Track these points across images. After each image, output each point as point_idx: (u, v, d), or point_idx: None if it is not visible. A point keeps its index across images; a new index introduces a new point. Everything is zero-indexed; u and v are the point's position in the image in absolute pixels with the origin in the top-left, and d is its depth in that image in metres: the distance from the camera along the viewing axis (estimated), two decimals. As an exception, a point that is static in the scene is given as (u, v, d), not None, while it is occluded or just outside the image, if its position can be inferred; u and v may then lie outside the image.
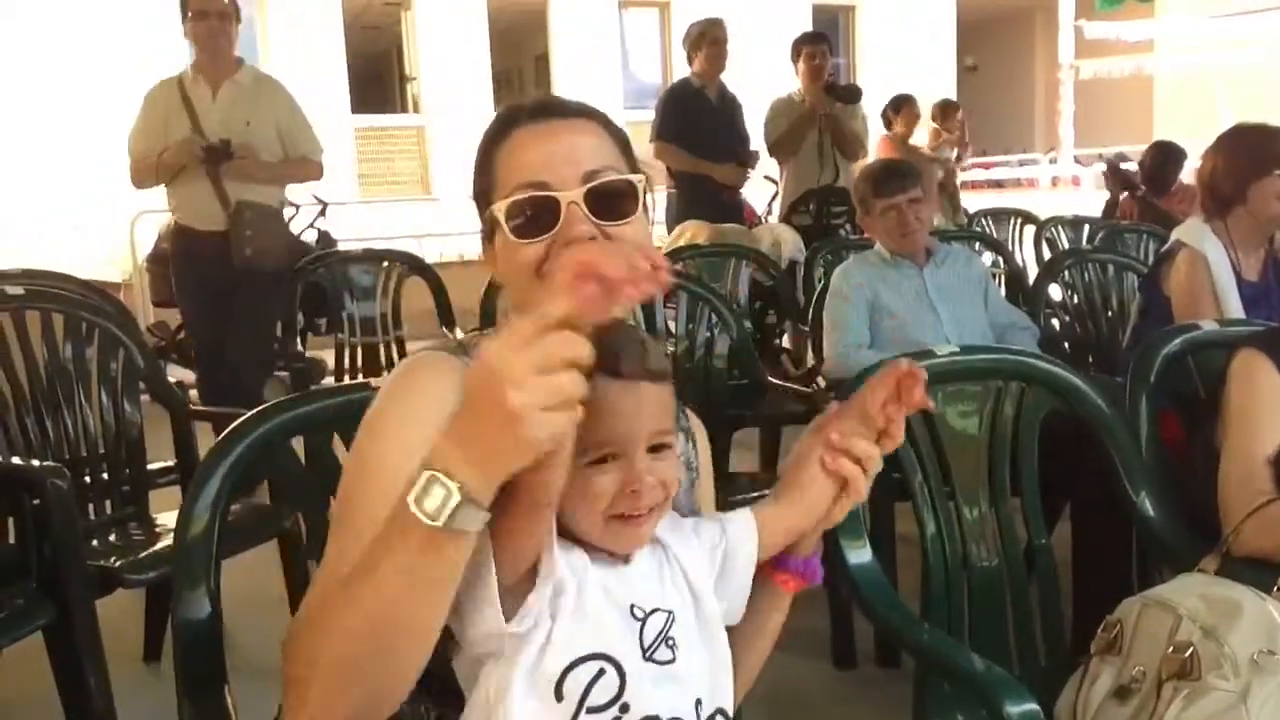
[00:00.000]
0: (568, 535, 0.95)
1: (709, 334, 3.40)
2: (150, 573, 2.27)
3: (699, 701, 0.95)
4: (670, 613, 0.95)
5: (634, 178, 1.08)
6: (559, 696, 0.89)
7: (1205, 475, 1.79)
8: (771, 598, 1.10)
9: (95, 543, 2.43)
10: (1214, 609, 1.44)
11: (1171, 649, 1.43)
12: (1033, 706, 1.27)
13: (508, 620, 0.87)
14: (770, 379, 3.24)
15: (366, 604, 0.83)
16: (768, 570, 1.07)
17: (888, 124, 6.94)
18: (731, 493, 2.79)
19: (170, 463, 2.78)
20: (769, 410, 3.22)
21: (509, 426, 0.75)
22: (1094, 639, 1.54)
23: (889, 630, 1.58)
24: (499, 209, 1.06)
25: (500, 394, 0.74)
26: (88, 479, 2.59)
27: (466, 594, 0.86)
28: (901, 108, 6.89)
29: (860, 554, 1.56)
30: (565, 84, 13.68)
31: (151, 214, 6.54)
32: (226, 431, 1.35)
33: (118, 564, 2.27)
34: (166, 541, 2.42)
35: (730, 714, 0.99)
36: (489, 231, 1.11)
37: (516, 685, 0.89)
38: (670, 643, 0.94)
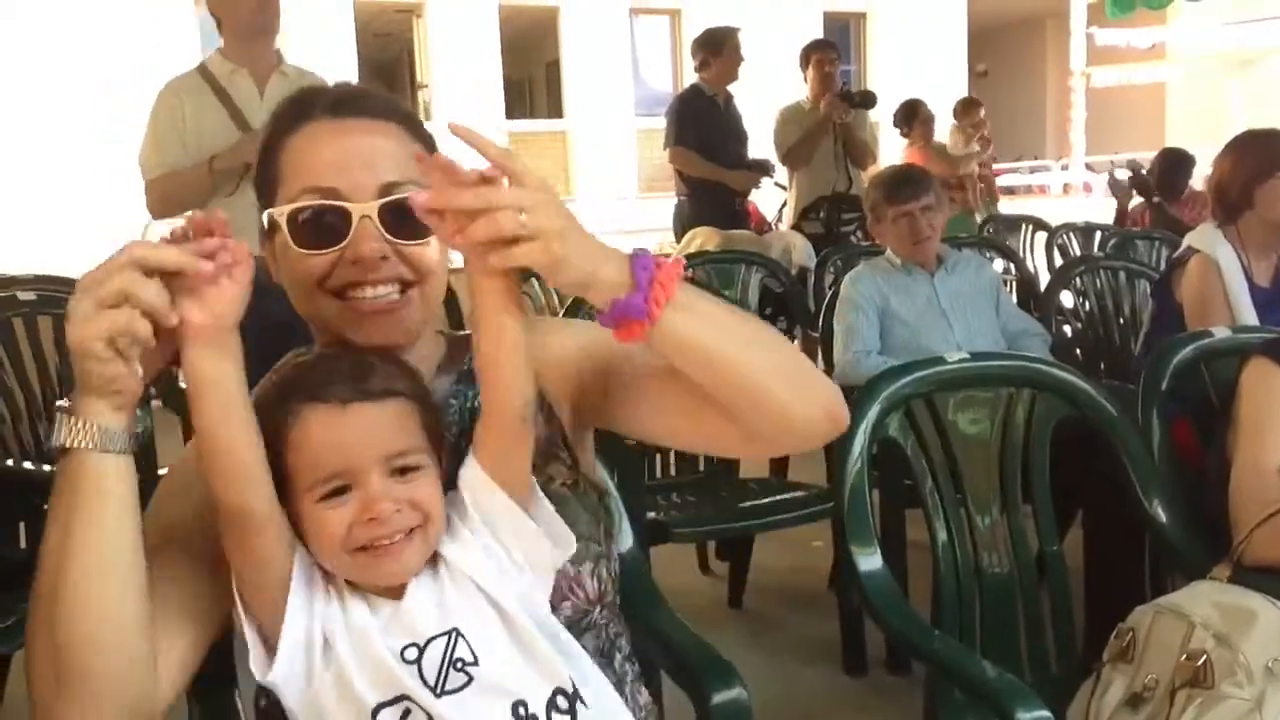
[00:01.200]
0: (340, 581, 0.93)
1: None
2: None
3: (520, 704, 0.89)
4: (450, 633, 0.90)
5: None
6: None
7: (1218, 483, 1.78)
8: (656, 348, 0.92)
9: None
10: (1227, 617, 1.43)
11: (1185, 657, 1.42)
12: (1045, 714, 1.26)
13: (262, 672, 0.88)
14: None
15: (43, 559, 0.85)
16: (621, 339, 0.90)
17: (904, 133, 6.94)
18: (743, 499, 2.79)
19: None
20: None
21: (68, 332, 0.81)
22: (1106, 646, 1.54)
23: (900, 638, 1.57)
24: (279, 214, 0.98)
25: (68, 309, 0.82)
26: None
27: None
28: (913, 116, 6.88)
29: (871, 560, 1.56)
30: (577, 90, 13.73)
31: (162, 222, 6.59)
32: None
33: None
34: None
35: (571, 688, 0.92)
36: (267, 231, 1.02)
37: None
38: (459, 664, 0.89)
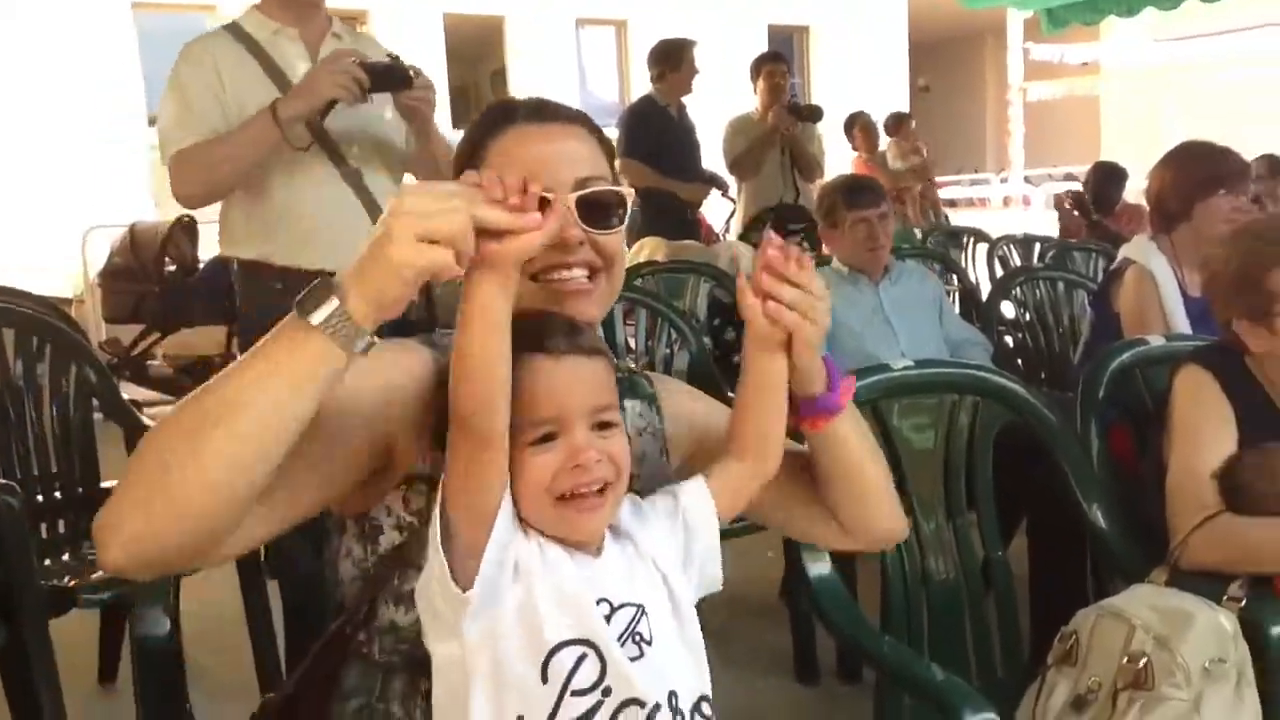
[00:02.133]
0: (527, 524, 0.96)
1: (668, 350, 3.43)
2: (106, 593, 2.23)
3: (673, 694, 0.94)
4: (639, 607, 0.95)
5: (623, 189, 1.11)
6: (544, 679, 0.90)
7: (1154, 488, 1.84)
8: (818, 442, 1.12)
9: (48, 562, 2.39)
10: (1166, 619, 1.48)
11: (1126, 659, 1.46)
12: (992, 716, 1.30)
13: (463, 586, 0.88)
14: (730, 394, 3.26)
15: (217, 391, 0.87)
16: (794, 424, 1.09)
17: (855, 144, 7.03)
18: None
19: (125, 481, 2.73)
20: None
21: (382, 247, 0.85)
22: (1051, 650, 1.58)
23: (849, 642, 1.60)
24: None
25: (386, 224, 0.85)
26: (40, 498, 2.55)
27: (423, 556, 0.90)
28: (855, 125, 6.98)
29: (820, 566, 1.58)
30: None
31: (103, 229, 6.47)
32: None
33: (72, 584, 2.23)
34: (121, 561, 2.38)
35: (712, 698, 0.99)
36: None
37: (502, 666, 0.90)
38: (637, 638, 0.94)
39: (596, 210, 1.08)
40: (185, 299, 5.41)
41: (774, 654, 2.72)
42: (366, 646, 1.07)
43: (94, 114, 8.04)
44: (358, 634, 1.08)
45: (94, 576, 2.31)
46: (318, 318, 0.85)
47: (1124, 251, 2.81)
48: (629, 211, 1.12)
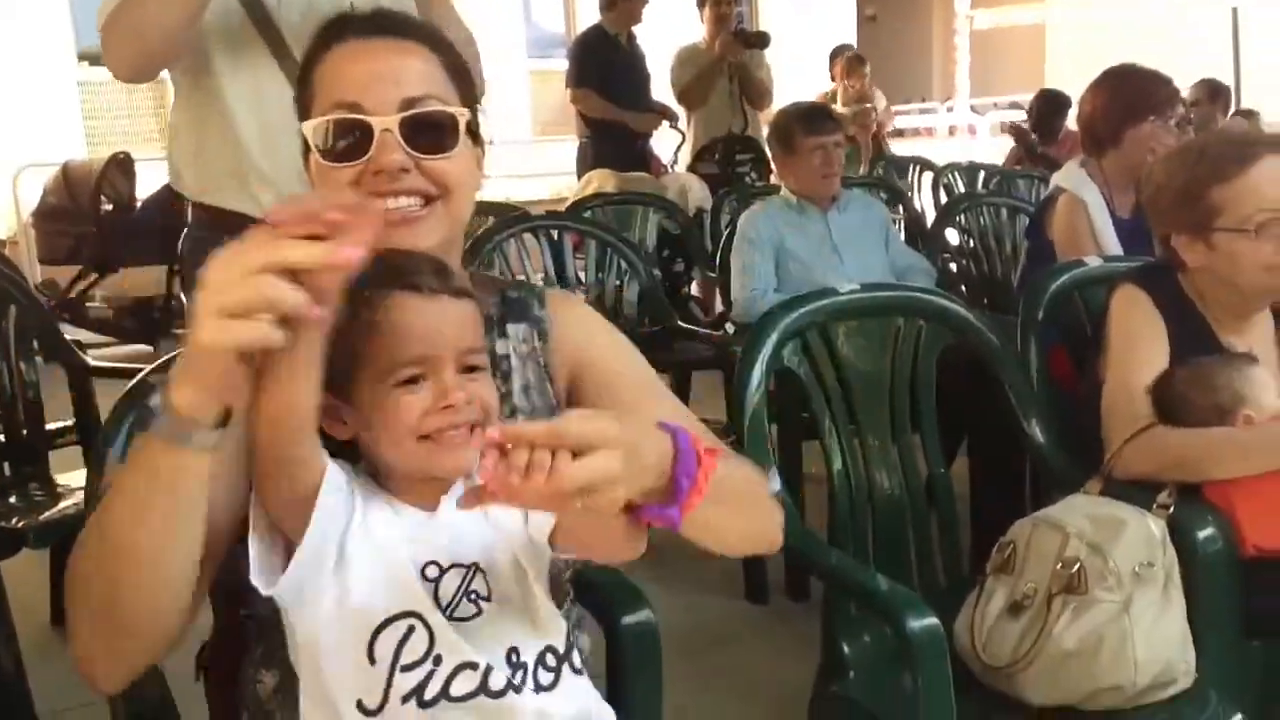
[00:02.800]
0: (377, 478, 0.95)
1: (618, 282, 3.43)
2: (56, 534, 2.22)
3: (512, 650, 0.92)
4: (472, 566, 0.93)
5: (457, 110, 1.05)
6: (372, 660, 0.89)
7: (1090, 405, 1.89)
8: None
9: (-6, 506, 2.36)
10: (1099, 527, 1.54)
11: (1060, 565, 1.52)
12: (933, 621, 1.34)
13: (268, 584, 0.89)
14: (680, 324, 3.29)
15: (108, 527, 0.86)
16: (635, 522, 0.92)
17: (833, 76, 6.99)
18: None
19: (69, 422, 2.70)
20: (680, 356, 3.27)
21: (194, 332, 0.78)
22: (989, 560, 1.63)
23: (797, 555, 1.64)
24: (308, 129, 1.04)
25: (196, 298, 0.78)
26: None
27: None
28: (837, 59, 6.93)
29: (770, 483, 1.61)
30: (466, 33, 13.37)
31: (35, 168, 6.29)
32: (135, 383, 1.33)
33: (20, 524, 2.22)
34: (69, 502, 2.36)
35: (562, 650, 0.96)
36: (304, 148, 1.07)
37: (328, 654, 0.90)
38: (473, 595, 0.92)
39: (426, 133, 1.02)
40: (123, 239, 5.30)
41: (723, 575, 2.78)
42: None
43: (22, 51, 7.77)
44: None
45: (41, 517, 2.30)
46: (158, 431, 0.82)
47: (1055, 179, 2.87)
48: (474, 133, 1.07)
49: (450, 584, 0.92)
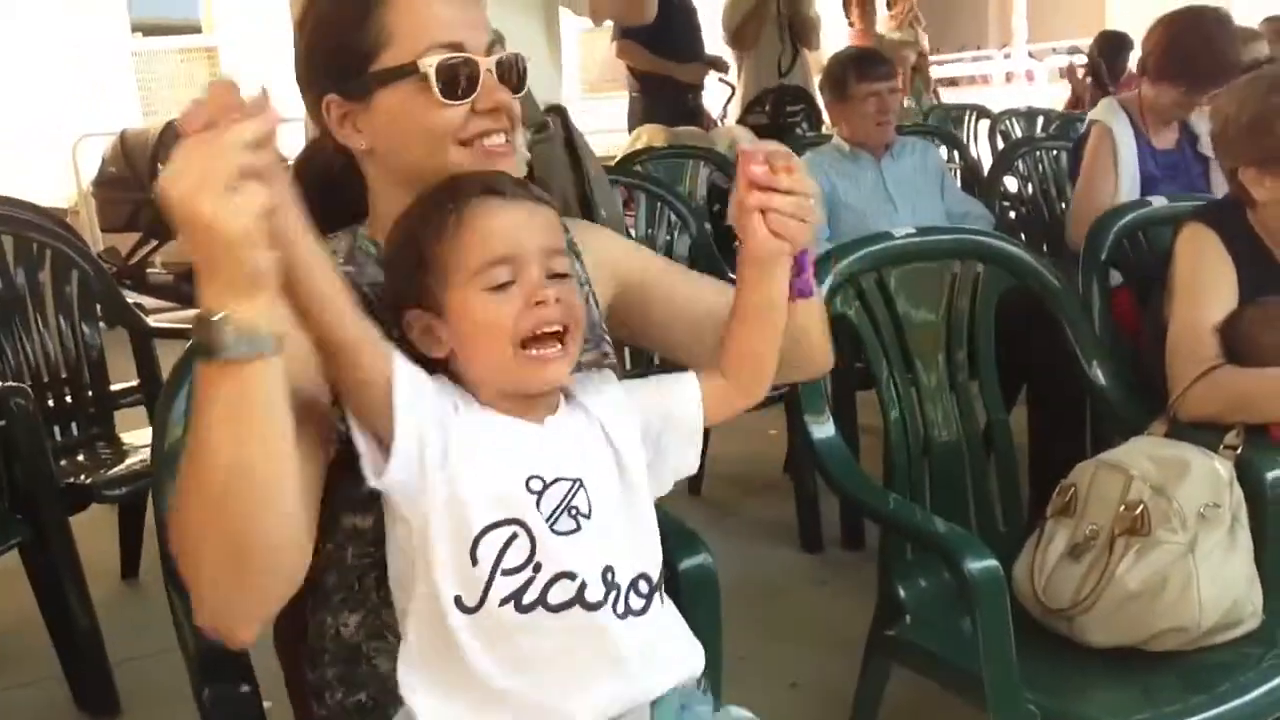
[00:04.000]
0: (477, 395, 0.95)
1: (669, 237, 3.41)
2: (124, 487, 2.28)
3: (609, 569, 0.93)
4: (576, 480, 0.94)
5: (521, 53, 1.09)
6: (474, 561, 0.90)
7: (1154, 346, 1.85)
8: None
9: (64, 464, 2.43)
10: (1163, 468, 1.51)
11: (1123, 507, 1.50)
12: (993, 563, 1.33)
13: (376, 475, 0.89)
14: (732, 277, 3.26)
15: (202, 466, 0.83)
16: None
17: (851, 16, 6.86)
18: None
19: (133, 383, 2.77)
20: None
21: (209, 233, 0.76)
22: (1050, 504, 1.61)
23: (854, 499, 1.63)
24: (427, 64, 1.01)
25: (178, 219, 0.76)
26: (51, 403, 2.58)
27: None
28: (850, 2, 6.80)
29: (824, 429, 1.61)
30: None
31: (94, 137, 6.39)
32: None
33: (89, 481, 2.28)
34: (135, 459, 2.43)
35: (655, 577, 0.97)
36: (362, 92, 1.04)
37: (436, 550, 0.90)
38: (573, 511, 0.93)
39: (509, 74, 1.06)
40: (181, 205, 5.37)
41: (779, 526, 2.79)
42: (338, 552, 1.07)
43: (77, 24, 7.87)
44: (325, 543, 1.07)
45: (109, 473, 2.36)
46: (224, 353, 0.79)
47: (1091, 114, 2.89)
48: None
49: (553, 497, 0.92)
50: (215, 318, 0.79)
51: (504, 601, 0.90)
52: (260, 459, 0.83)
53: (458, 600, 0.90)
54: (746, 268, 0.98)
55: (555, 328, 0.93)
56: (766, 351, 1.01)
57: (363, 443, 0.90)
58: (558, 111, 1.70)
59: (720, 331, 1.05)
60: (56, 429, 2.55)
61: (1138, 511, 1.47)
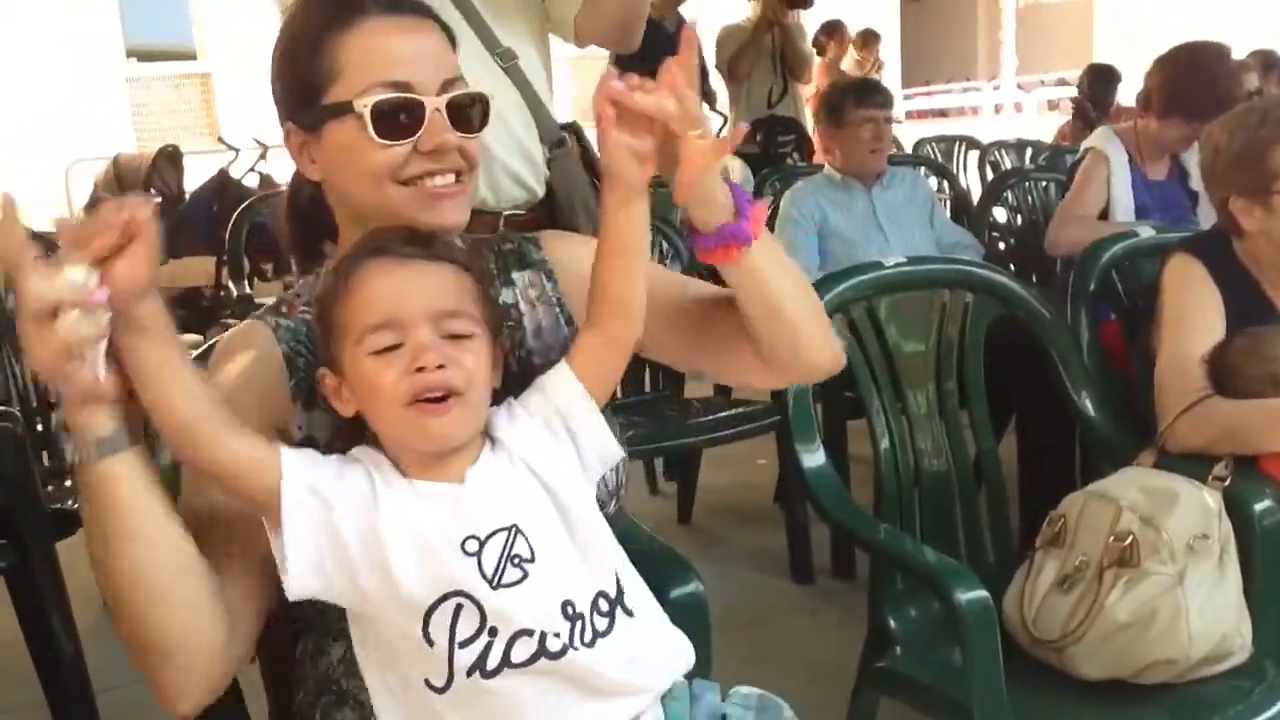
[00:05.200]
0: (395, 460, 0.94)
1: (662, 264, 3.42)
2: (110, 513, 2.26)
3: (568, 604, 0.93)
4: (510, 528, 0.92)
5: (482, 91, 1.08)
6: (430, 642, 0.90)
7: (1143, 377, 1.86)
8: (734, 274, 1.02)
9: (51, 488, 2.41)
10: (1152, 499, 1.51)
11: (1112, 538, 1.49)
12: (982, 593, 1.33)
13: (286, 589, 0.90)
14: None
15: (91, 561, 0.89)
16: (705, 259, 1.00)
17: (820, 50, 6.95)
18: (688, 417, 2.83)
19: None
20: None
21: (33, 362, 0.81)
22: (1039, 534, 1.61)
23: (844, 528, 1.62)
24: (363, 104, 1.00)
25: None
26: (39, 427, 2.57)
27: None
28: (834, 33, 6.91)
29: (815, 458, 1.60)
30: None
31: (86, 162, 6.41)
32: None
33: (76, 505, 2.25)
34: (124, 484, 2.41)
35: (615, 590, 0.96)
36: (316, 124, 1.04)
37: (389, 641, 0.92)
38: (516, 560, 0.92)
39: (464, 113, 1.04)
40: (173, 230, 5.37)
41: (769, 555, 2.78)
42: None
43: (72, 49, 7.90)
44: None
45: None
46: (72, 459, 0.85)
47: (1086, 142, 2.93)
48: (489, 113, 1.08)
49: (492, 553, 0.91)
50: (64, 428, 0.85)
51: (469, 672, 0.90)
52: (131, 556, 0.86)
53: (427, 683, 0.91)
54: (606, 197, 0.96)
55: (436, 394, 0.91)
56: (631, 294, 0.98)
57: (278, 554, 0.90)
58: (573, 128, 1.72)
59: (715, 321, 1.07)
60: (45, 453, 2.54)
61: (1127, 542, 1.47)
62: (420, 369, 0.90)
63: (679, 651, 1.02)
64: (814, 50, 5.33)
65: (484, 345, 0.95)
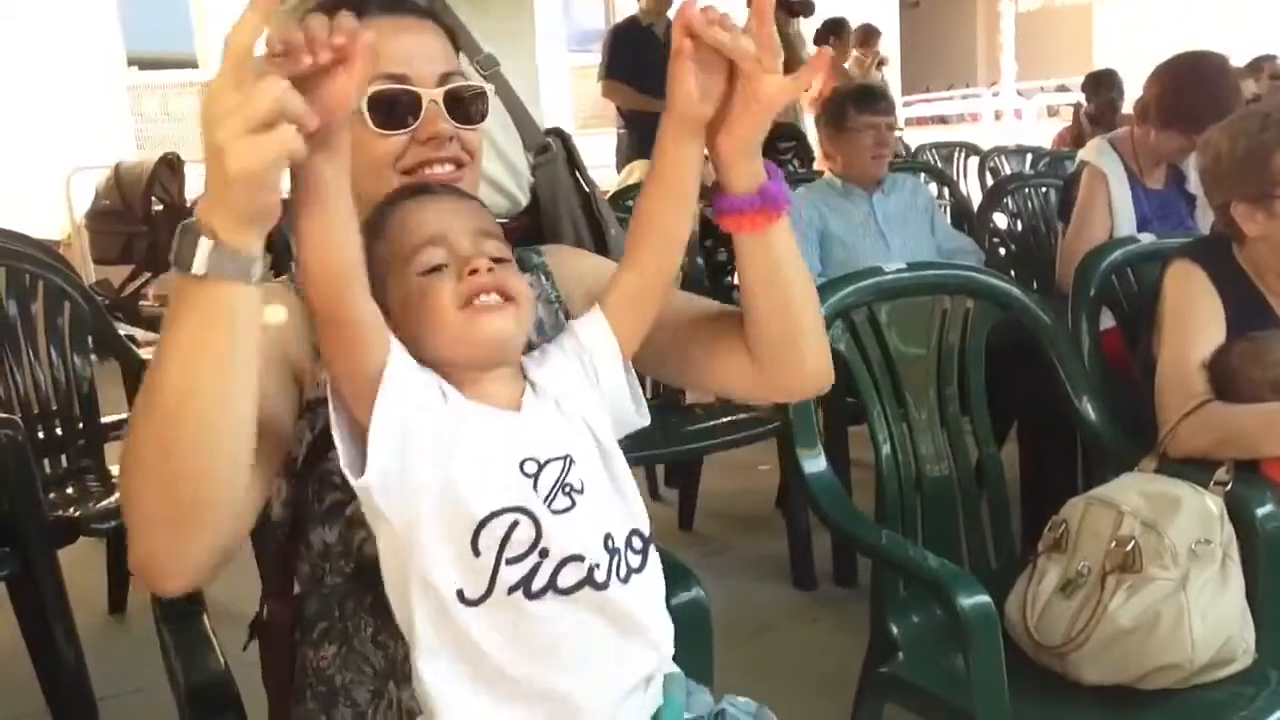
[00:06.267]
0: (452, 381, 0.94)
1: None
2: (112, 521, 2.26)
3: (609, 537, 0.93)
4: (566, 457, 0.94)
5: (484, 85, 1.13)
6: (476, 551, 0.88)
7: (1144, 383, 1.86)
8: (753, 250, 1.03)
9: (53, 496, 2.41)
10: (1154, 504, 1.51)
11: (1114, 543, 1.49)
12: (985, 599, 1.33)
13: (356, 473, 0.87)
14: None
15: (155, 387, 0.82)
16: (731, 226, 1.01)
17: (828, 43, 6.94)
18: (690, 423, 2.83)
19: (124, 415, 2.75)
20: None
21: (219, 161, 0.75)
22: (1041, 540, 1.61)
23: (845, 533, 1.62)
24: (360, 96, 1.02)
25: (207, 139, 0.75)
26: (41, 435, 2.57)
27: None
28: (837, 31, 6.91)
29: (816, 463, 1.61)
30: (506, 29, 13.38)
31: (87, 170, 6.41)
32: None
33: (77, 513, 2.26)
34: (125, 492, 2.41)
35: (646, 530, 0.97)
36: None
37: (433, 545, 0.88)
38: (567, 489, 0.92)
39: (462, 105, 1.09)
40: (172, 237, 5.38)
41: (771, 561, 2.78)
42: (314, 575, 1.07)
43: (72, 57, 7.91)
44: (301, 566, 1.08)
45: (98, 506, 2.34)
46: (200, 268, 0.78)
47: (1081, 155, 2.91)
48: (489, 109, 1.12)
49: (548, 478, 0.92)
50: (200, 235, 0.77)
51: (512, 590, 0.89)
52: (211, 389, 0.81)
53: (460, 594, 0.88)
54: (663, 132, 0.96)
55: (492, 295, 0.92)
56: (675, 229, 1.00)
57: (344, 441, 0.88)
58: (558, 134, 1.72)
59: (706, 326, 1.09)
60: (46, 461, 2.53)
61: (1129, 548, 1.47)
62: (473, 271, 0.92)
63: (669, 628, 1.02)
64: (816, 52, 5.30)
65: (516, 269, 0.98)
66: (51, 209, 6.92)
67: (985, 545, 1.80)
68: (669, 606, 1.21)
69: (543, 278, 1.20)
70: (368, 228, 0.95)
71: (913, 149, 6.47)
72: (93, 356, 2.69)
